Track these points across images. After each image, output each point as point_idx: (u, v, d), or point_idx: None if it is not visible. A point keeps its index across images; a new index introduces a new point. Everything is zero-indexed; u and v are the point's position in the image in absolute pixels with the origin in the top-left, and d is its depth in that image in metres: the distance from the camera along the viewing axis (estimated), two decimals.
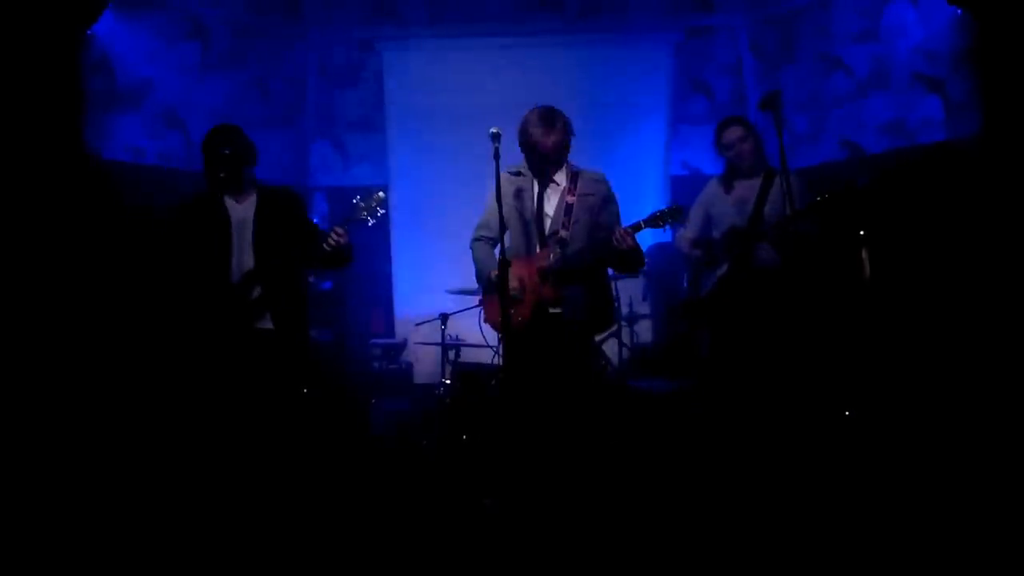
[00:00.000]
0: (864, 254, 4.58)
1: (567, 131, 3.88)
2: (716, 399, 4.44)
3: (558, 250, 3.85)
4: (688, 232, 4.67)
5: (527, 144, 3.90)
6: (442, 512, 3.72)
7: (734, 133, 4.44)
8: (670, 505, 3.71)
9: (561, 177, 3.98)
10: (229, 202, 3.93)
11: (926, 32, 6.03)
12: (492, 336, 4.42)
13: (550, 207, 3.97)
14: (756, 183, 4.36)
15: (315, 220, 6.95)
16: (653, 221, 3.76)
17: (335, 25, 7.56)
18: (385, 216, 7.37)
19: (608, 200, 3.98)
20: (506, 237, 3.84)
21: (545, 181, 3.96)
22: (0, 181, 4.79)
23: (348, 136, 7.80)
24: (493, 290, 3.92)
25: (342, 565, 3.12)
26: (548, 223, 3.93)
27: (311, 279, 6.61)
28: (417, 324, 6.58)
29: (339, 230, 3.83)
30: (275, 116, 7.36)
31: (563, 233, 3.87)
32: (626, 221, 3.88)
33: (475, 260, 4.11)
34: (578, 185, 3.94)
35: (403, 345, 7.18)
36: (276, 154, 7.30)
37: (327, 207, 7.20)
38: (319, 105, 7.75)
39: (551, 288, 3.84)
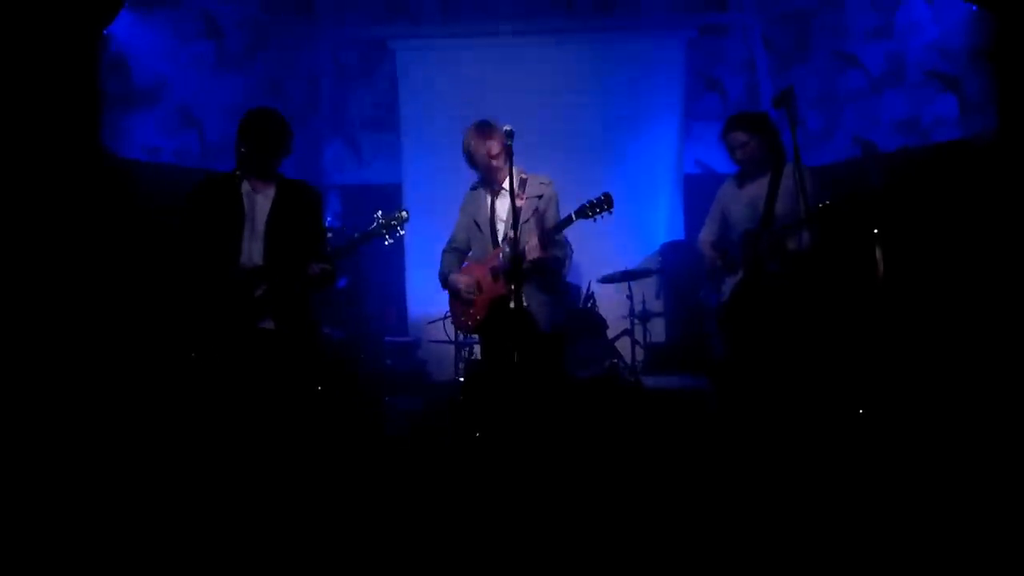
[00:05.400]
0: (878, 253, 4.57)
1: (502, 139, 4.05)
2: (731, 401, 4.44)
3: (507, 249, 4.03)
4: (706, 235, 4.66)
5: (468, 157, 4.26)
6: (456, 510, 3.73)
7: (736, 139, 4.41)
8: (683, 503, 3.71)
9: (510, 184, 4.18)
10: (248, 190, 3.86)
11: (941, 29, 6.01)
12: None
13: (502, 212, 4.23)
14: (766, 180, 4.33)
15: (328, 218, 7.03)
16: (582, 212, 4.02)
17: (349, 24, 7.59)
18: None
19: (551, 201, 4.24)
20: (474, 247, 4.38)
21: (496, 189, 4.24)
22: (18, 180, 4.84)
23: (362, 134, 7.83)
24: (452, 296, 4.36)
25: (354, 564, 3.14)
26: (501, 228, 4.21)
27: None
28: (430, 322, 6.59)
29: (327, 267, 3.90)
30: (289, 114, 7.31)
31: (511, 234, 4.01)
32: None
33: (440, 269, 4.46)
34: (526, 189, 4.18)
35: (417, 343, 7.18)
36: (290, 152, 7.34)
37: (341, 205, 7.21)
38: (333, 103, 7.78)
39: (504, 285, 4.07)
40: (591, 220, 4.03)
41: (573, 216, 4.03)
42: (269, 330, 3.80)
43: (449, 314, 4.53)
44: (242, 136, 3.88)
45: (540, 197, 4.20)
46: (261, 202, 3.86)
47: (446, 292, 4.45)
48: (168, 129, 6.48)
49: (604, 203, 4.00)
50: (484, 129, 4.20)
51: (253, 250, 3.81)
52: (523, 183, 4.19)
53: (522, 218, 4.08)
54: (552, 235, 4.08)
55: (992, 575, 2.81)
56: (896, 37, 6.36)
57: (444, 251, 4.50)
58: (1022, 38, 5.07)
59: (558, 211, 4.25)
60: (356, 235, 4.08)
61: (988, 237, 5.20)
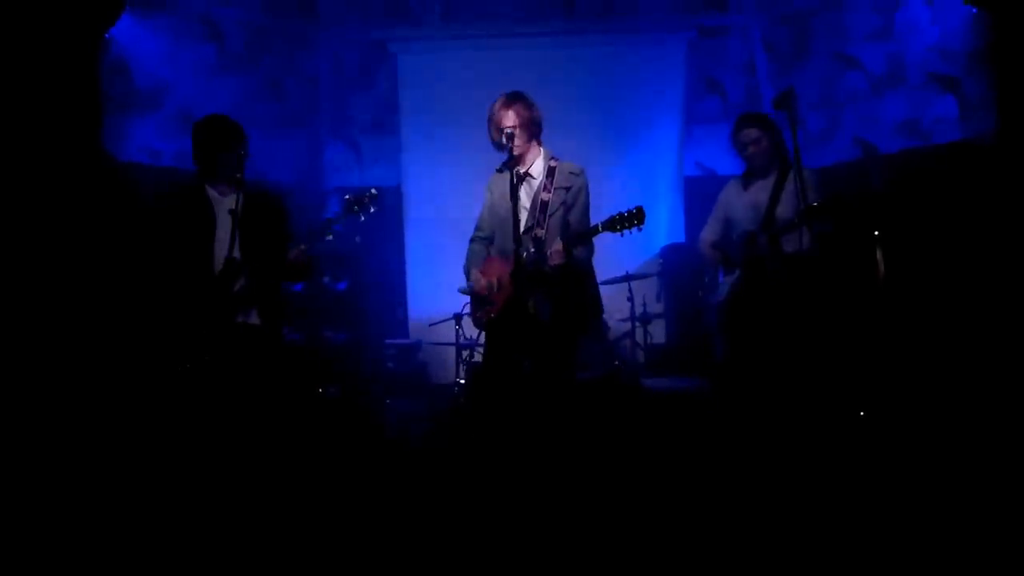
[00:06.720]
0: (879, 254, 4.57)
1: (528, 109, 3.89)
2: (731, 402, 4.44)
3: (531, 249, 3.80)
4: (708, 234, 4.67)
5: (492, 131, 3.94)
6: (457, 512, 3.74)
7: (748, 136, 4.41)
8: (683, 504, 3.71)
9: (538, 170, 3.96)
10: (214, 195, 3.85)
11: (941, 31, 6.02)
12: None
13: (526, 201, 3.92)
14: (770, 183, 4.36)
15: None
16: (610, 225, 3.73)
17: (349, 26, 7.61)
18: (399, 216, 7.50)
19: (580, 193, 3.93)
20: (496, 235, 4.04)
21: (521, 175, 3.87)
22: (19, 183, 4.85)
23: (362, 137, 7.84)
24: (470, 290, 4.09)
25: (356, 566, 3.14)
26: (524, 218, 3.86)
27: (325, 279, 6.63)
28: (431, 324, 6.60)
29: (302, 247, 3.85)
30: (290, 117, 7.40)
31: (538, 231, 3.84)
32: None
33: (465, 260, 4.21)
34: (555, 179, 3.91)
35: (417, 346, 7.18)
36: (291, 155, 7.35)
37: (341, 208, 7.21)
38: (333, 106, 7.79)
39: (522, 288, 3.78)
40: (618, 234, 3.75)
41: (600, 227, 3.75)
42: (255, 325, 3.82)
43: (465, 312, 4.37)
44: (201, 145, 3.85)
45: (568, 189, 3.90)
46: (229, 206, 3.80)
47: (449, 293, 4.38)
48: (169, 132, 6.47)
49: (635, 217, 3.70)
50: (504, 99, 3.93)
51: (228, 252, 3.77)
52: (551, 171, 3.92)
53: (549, 212, 3.87)
54: (576, 241, 3.79)
55: (992, 575, 2.81)
56: (896, 38, 6.36)
57: (471, 239, 4.20)
58: (1021, 39, 5.07)
59: (588, 205, 3.99)
60: (329, 217, 4.03)
61: (989, 238, 5.20)
